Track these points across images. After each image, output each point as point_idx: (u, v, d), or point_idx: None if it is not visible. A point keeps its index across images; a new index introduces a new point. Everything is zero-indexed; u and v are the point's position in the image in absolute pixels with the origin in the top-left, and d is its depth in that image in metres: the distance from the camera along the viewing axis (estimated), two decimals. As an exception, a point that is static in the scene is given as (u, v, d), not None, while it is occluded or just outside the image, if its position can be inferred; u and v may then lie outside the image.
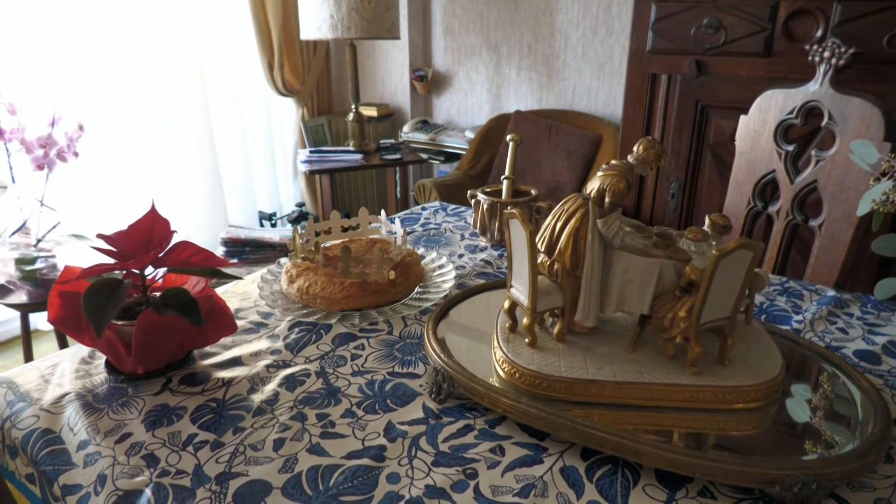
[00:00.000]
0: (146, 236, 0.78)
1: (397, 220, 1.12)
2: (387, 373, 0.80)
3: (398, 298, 0.98)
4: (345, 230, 1.17)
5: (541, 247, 0.77)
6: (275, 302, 0.96)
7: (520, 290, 0.78)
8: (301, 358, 0.85)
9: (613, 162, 0.76)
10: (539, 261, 0.77)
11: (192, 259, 0.79)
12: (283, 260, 1.10)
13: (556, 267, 0.76)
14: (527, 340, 0.77)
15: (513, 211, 0.73)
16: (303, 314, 0.94)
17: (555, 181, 2.93)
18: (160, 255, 0.79)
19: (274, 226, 3.46)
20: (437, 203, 1.57)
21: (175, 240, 0.80)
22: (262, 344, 0.88)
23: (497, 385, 0.73)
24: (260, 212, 3.54)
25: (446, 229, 1.37)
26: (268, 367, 0.82)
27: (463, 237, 1.32)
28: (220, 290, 1.04)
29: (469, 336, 0.85)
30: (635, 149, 0.76)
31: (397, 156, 3.14)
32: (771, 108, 1.34)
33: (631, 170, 0.75)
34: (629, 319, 0.84)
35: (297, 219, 3.47)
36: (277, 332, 0.92)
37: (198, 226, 3.13)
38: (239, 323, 0.93)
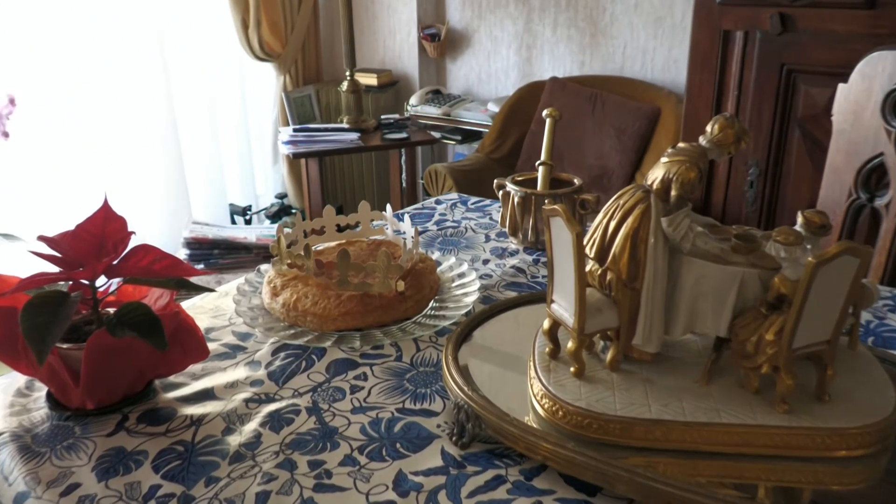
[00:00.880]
0: (97, 238, 0.78)
1: (406, 217, 1.12)
2: (396, 409, 0.81)
3: (409, 315, 0.99)
4: (341, 229, 1.18)
5: (590, 252, 0.77)
6: (255, 320, 0.97)
7: (563, 307, 0.78)
8: (288, 390, 0.85)
9: (681, 145, 0.76)
10: (588, 269, 0.77)
11: (153, 267, 0.80)
12: (265, 267, 1.10)
13: (609, 277, 0.76)
14: (572, 369, 0.77)
15: (555, 206, 0.74)
16: (290, 335, 0.94)
17: (601, 167, 2.93)
18: (115, 263, 0.78)
19: (249, 222, 3.49)
20: (454, 195, 1.58)
21: (133, 243, 0.80)
22: (240, 373, 0.89)
23: (535, 425, 0.73)
24: (231, 205, 3.57)
25: (467, 228, 1.38)
26: (247, 401, 0.83)
27: (488, 238, 1.33)
28: (186, 305, 1.05)
29: (499, 363, 0.85)
30: (709, 129, 0.76)
31: (403, 135, 3.16)
32: (877, 74, 1.33)
33: (703, 155, 0.75)
34: (701, 344, 0.83)
35: (278, 214, 3.49)
36: (258, 357, 0.92)
37: (155, 223, 3.16)
38: (210, 346, 0.93)
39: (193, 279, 0.84)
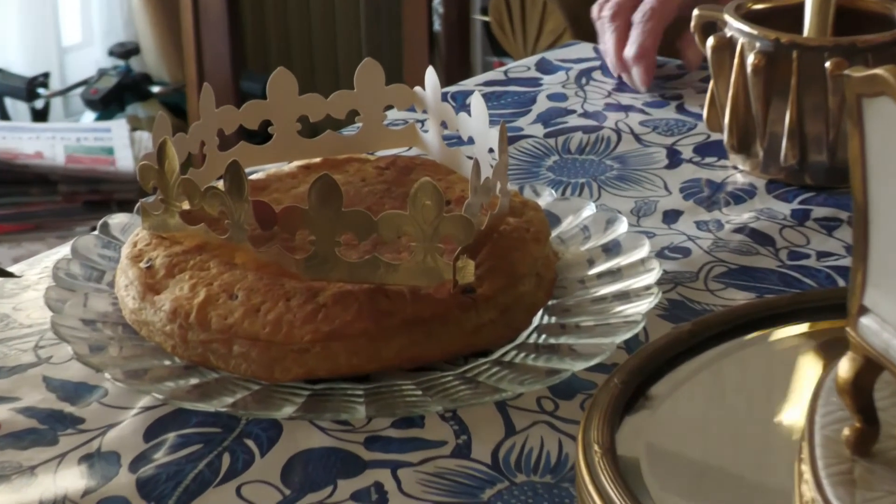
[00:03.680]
0: None
1: (477, 99, 0.76)
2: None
3: (485, 345, 0.69)
4: (313, 132, 0.88)
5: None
6: (102, 351, 0.69)
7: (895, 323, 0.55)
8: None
9: None
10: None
11: None
12: (120, 221, 0.79)
13: None
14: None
15: (877, 71, 0.47)
16: (190, 390, 0.67)
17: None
18: None
19: (44, 116, 2.37)
20: (578, 46, 1.11)
21: None
22: (69, 479, 0.63)
23: None
24: (2, 74, 2.34)
25: (621, 131, 0.95)
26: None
27: (677, 157, 0.93)
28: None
29: (717, 466, 0.62)
30: None
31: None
32: None
33: None
34: None
35: (116, 95, 2.35)
36: (112, 443, 0.65)
37: None
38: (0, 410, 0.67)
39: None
